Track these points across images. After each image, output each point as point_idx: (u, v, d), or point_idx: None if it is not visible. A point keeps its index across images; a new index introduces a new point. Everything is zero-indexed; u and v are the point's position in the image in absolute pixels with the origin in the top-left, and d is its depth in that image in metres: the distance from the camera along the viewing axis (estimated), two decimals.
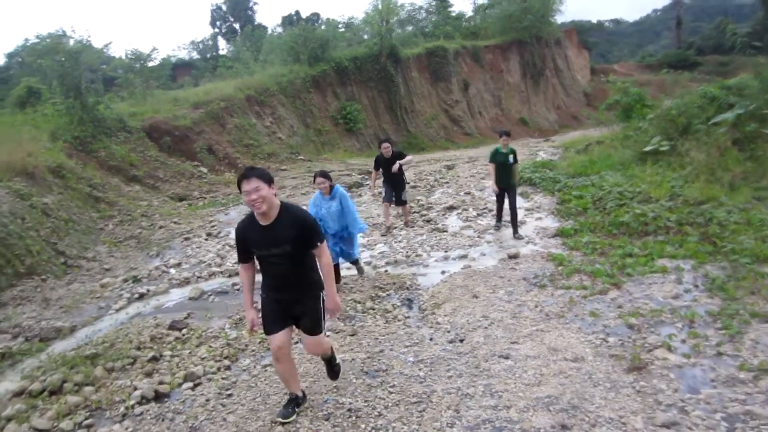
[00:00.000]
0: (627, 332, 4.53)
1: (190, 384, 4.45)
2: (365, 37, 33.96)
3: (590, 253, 6.77)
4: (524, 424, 3.34)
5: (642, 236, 7.11)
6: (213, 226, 11.16)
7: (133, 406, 4.13)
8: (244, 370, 4.61)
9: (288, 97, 24.09)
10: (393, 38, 30.19)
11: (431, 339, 4.84)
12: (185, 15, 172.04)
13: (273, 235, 3.35)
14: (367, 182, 9.48)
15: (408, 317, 5.52)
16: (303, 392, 3.84)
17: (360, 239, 8.94)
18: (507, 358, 4.25)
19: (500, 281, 6.22)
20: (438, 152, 25.97)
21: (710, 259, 5.91)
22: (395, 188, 9.21)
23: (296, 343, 4.64)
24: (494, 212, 9.85)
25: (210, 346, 5.17)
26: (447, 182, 14.73)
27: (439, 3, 41.05)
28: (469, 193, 12.37)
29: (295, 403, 3.73)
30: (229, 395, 4.17)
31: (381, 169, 9.19)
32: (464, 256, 7.53)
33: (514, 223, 8.21)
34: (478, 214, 10.10)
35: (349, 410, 3.71)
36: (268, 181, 3.32)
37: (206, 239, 10.14)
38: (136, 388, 4.38)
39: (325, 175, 6.19)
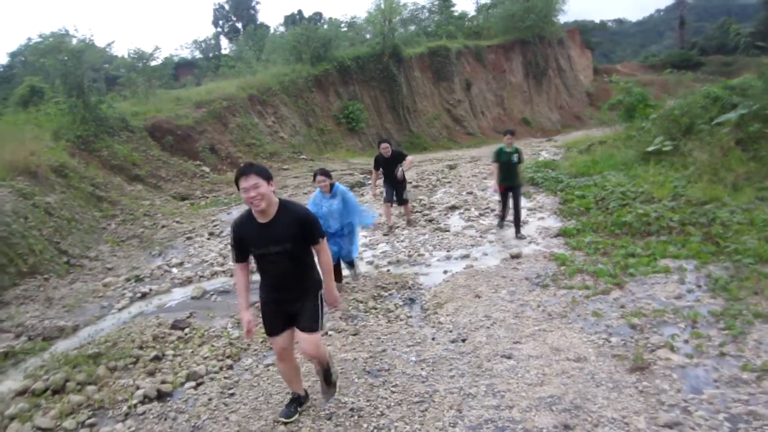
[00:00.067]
0: (630, 332, 4.52)
1: (193, 383, 4.45)
2: (368, 36, 33.97)
3: (593, 253, 6.77)
4: (527, 424, 3.33)
5: (645, 236, 7.10)
6: (215, 226, 11.17)
7: (135, 406, 4.14)
8: (247, 370, 4.61)
9: (290, 96, 24.10)
10: (395, 38, 30.16)
11: (433, 339, 4.84)
12: (188, 14, 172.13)
13: (272, 233, 3.29)
14: (369, 182, 9.44)
15: (410, 317, 5.52)
16: (305, 392, 3.84)
17: (362, 239, 8.96)
18: (509, 357, 4.25)
19: (502, 281, 6.21)
20: (440, 152, 25.95)
21: (713, 259, 5.90)
22: (396, 187, 9.18)
23: (298, 342, 4.64)
24: (496, 212, 9.85)
25: (212, 346, 5.18)
26: (449, 182, 14.72)
27: (442, 2, 40.99)
28: (471, 193, 12.36)
29: (297, 402, 3.73)
30: (232, 394, 4.17)
31: (381, 169, 9.16)
32: (466, 256, 7.53)
33: (517, 222, 8.20)
34: (481, 214, 10.09)
35: (352, 410, 3.71)
36: (267, 177, 3.25)
37: (208, 238, 10.15)
38: (138, 388, 4.39)
39: (325, 173, 6.14)
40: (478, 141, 30.54)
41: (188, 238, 10.30)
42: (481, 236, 8.49)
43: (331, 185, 6.16)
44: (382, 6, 29.53)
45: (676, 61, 45.39)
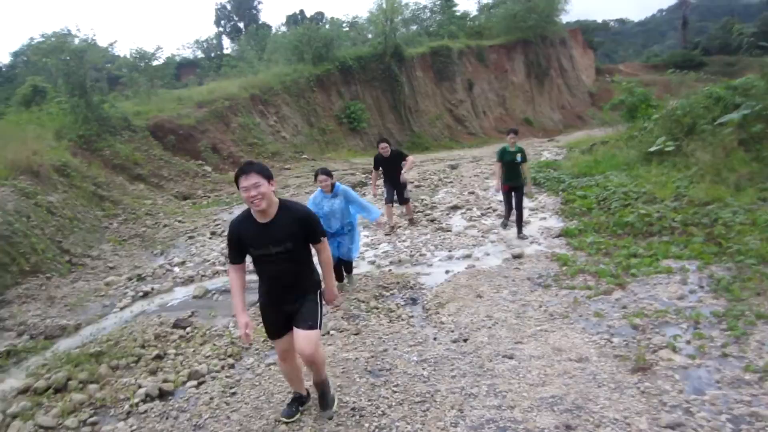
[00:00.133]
0: (631, 333, 4.51)
1: (194, 382, 4.45)
2: (369, 36, 34.01)
3: (595, 254, 6.76)
4: (528, 424, 3.33)
5: (647, 237, 7.08)
6: (217, 225, 11.18)
7: (137, 404, 4.14)
8: (248, 369, 4.61)
9: (292, 96, 24.13)
10: (397, 38, 30.18)
11: (435, 338, 4.84)
12: (189, 14, 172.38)
13: (273, 233, 3.23)
14: (371, 182, 9.42)
15: (412, 316, 5.52)
16: (307, 391, 3.83)
17: (364, 238, 8.96)
18: (511, 358, 4.25)
19: (504, 281, 6.20)
20: (442, 152, 25.95)
21: (715, 259, 5.88)
22: (396, 187, 9.14)
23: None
24: (498, 212, 9.85)
25: (214, 345, 5.18)
26: (451, 182, 14.71)
27: (444, 2, 41.00)
28: (473, 193, 12.35)
29: (299, 402, 3.73)
30: (233, 394, 4.17)
31: (381, 169, 9.14)
32: (468, 256, 7.52)
33: (519, 223, 8.18)
34: (482, 214, 10.08)
35: (353, 409, 3.71)
36: (268, 176, 3.19)
37: (210, 238, 10.16)
38: (140, 386, 4.39)
39: (327, 172, 6.07)
40: (479, 141, 30.54)
41: (190, 238, 10.31)
42: (482, 236, 8.48)
43: (332, 185, 6.10)
44: (384, 6, 29.54)
45: (679, 61, 45.33)
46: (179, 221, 11.76)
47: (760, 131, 8.63)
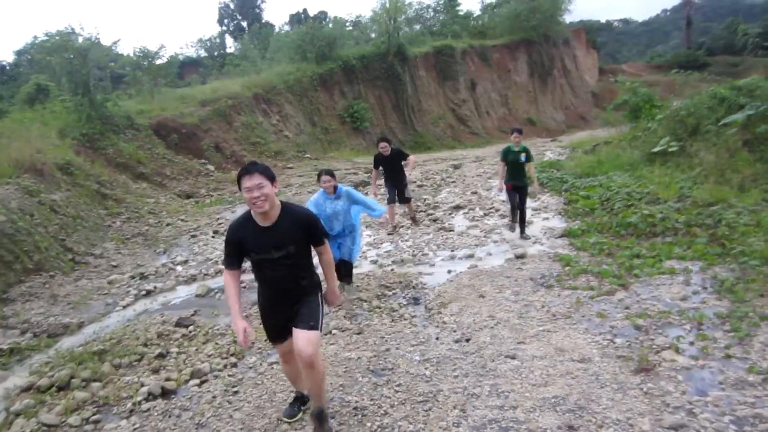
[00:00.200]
0: (634, 333, 4.50)
1: (197, 381, 4.46)
2: (372, 35, 33.95)
3: (597, 254, 6.74)
4: (531, 424, 3.33)
5: (650, 237, 7.07)
6: (220, 224, 11.19)
7: (140, 402, 4.15)
8: (251, 368, 4.62)
9: (295, 95, 24.15)
10: (400, 37, 30.19)
11: (437, 338, 4.84)
12: (193, 13, 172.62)
13: (275, 237, 3.15)
14: (378, 182, 9.38)
15: (414, 316, 5.52)
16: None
17: (366, 238, 8.96)
18: (513, 358, 4.24)
19: (507, 281, 6.20)
20: (444, 151, 25.93)
21: (719, 260, 5.86)
22: (397, 186, 9.09)
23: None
24: (501, 212, 9.83)
25: (216, 344, 5.19)
26: (453, 181, 14.70)
27: (447, 2, 40.94)
28: (475, 193, 12.34)
29: (301, 401, 3.72)
30: (236, 392, 4.18)
31: (381, 168, 9.10)
32: (471, 256, 7.51)
33: (522, 223, 8.16)
34: (485, 214, 10.07)
35: (355, 408, 3.71)
36: (271, 178, 3.11)
37: (213, 237, 10.17)
38: (143, 385, 4.40)
39: (330, 173, 5.94)
40: (482, 141, 30.51)
41: (193, 236, 10.33)
42: (485, 236, 8.47)
43: (335, 187, 5.95)
44: (387, 5, 29.55)
45: (683, 61, 45.23)
46: (182, 220, 11.78)
47: (765, 132, 8.59)
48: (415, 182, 13.56)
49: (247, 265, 3.46)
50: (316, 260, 3.55)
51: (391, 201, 9.17)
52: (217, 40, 54.87)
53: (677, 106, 11.75)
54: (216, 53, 50.21)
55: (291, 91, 23.98)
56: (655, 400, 3.48)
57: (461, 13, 42.08)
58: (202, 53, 51.54)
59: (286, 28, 47.18)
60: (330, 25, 34.00)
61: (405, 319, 5.42)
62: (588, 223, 8.17)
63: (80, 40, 17.33)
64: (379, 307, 5.79)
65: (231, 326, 5.56)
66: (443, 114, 31.19)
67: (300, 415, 3.65)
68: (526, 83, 38.26)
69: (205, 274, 7.82)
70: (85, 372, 4.67)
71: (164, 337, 5.51)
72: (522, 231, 8.12)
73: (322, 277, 3.59)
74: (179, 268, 8.38)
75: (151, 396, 4.25)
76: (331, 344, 4.88)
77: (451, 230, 9.05)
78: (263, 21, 53.72)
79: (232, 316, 3.26)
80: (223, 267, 3.37)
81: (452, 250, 7.87)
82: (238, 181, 3.11)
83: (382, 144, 8.92)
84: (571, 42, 43.43)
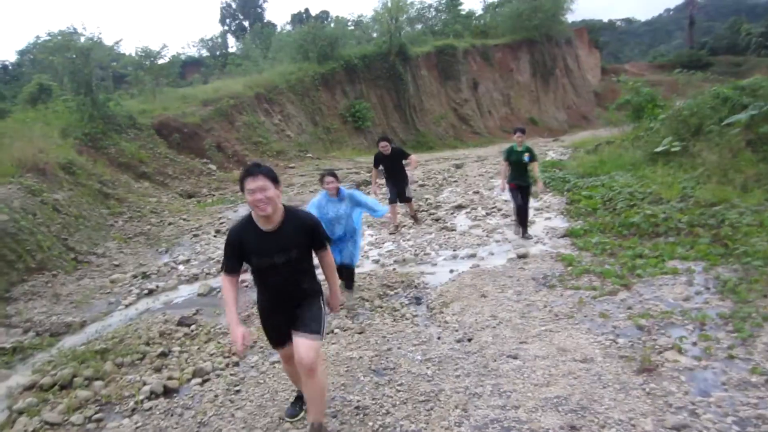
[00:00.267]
0: (637, 334, 4.49)
1: (199, 380, 4.46)
2: (374, 35, 33.98)
3: (600, 254, 6.73)
4: (533, 424, 3.32)
5: (652, 237, 7.05)
6: (221, 223, 11.21)
7: (142, 401, 4.16)
8: (253, 367, 4.62)
9: (297, 94, 24.16)
10: (402, 36, 30.21)
11: (439, 338, 4.83)
12: (195, 13, 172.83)
13: (277, 242, 3.05)
14: (378, 181, 9.36)
15: (416, 316, 5.51)
16: None
17: (368, 237, 8.96)
18: (515, 358, 4.24)
19: (509, 281, 6.19)
20: (446, 151, 25.92)
21: (722, 261, 5.84)
22: (398, 185, 9.05)
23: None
24: (503, 211, 9.81)
25: (218, 343, 5.19)
26: (456, 181, 14.69)
27: (449, 1, 40.93)
28: (477, 192, 12.33)
29: (302, 401, 3.70)
30: (238, 391, 4.18)
31: (382, 167, 9.07)
32: (473, 255, 7.51)
33: (524, 222, 8.14)
34: (487, 213, 10.06)
35: (357, 408, 3.71)
36: (275, 180, 3.01)
37: (215, 236, 10.18)
38: (145, 383, 4.40)
39: (334, 175, 5.82)
40: (484, 140, 30.50)
41: (195, 236, 10.34)
42: (487, 236, 8.47)
43: (338, 189, 5.81)
44: (389, 4, 29.56)
45: (686, 61, 45.10)
46: (184, 219, 11.80)
47: None
48: (417, 182, 13.56)
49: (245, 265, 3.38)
50: (315, 261, 3.47)
51: (392, 201, 9.16)
52: (219, 40, 54.92)
53: (680, 105, 11.73)
54: (218, 53, 50.25)
55: (293, 90, 24.00)
56: (658, 401, 3.47)
57: (463, 13, 42.08)
58: (204, 53, 51.58)
59: (288, 27, 47.24)
60: (332, 25, 34.04)
61: (407, 319, 5.42)
62: (590, 223, 8.16)
63: (82, 39, 17.34)
64: (381, 307, 5.79)
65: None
66: (445, 113, 31.18)
67: (302, 414, 3.65)
68: (528, 83, 38.23)
69: (207, 274, 7.83)
70: (88, 371, 4.67)
71: (166, 336, 5.51)
72: (524, 231, 8.11)
73: (322, 280, 3.52)
74: (181, 267, 8.39)
75: (153, 395, 4.25)
76: (333, 343, 4.88)
77: (453, 230, 9.04)
78: (265, 21, 53.76)
79: (229, 324, 3.13)
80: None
81: (454, 250, 7.87)
82: (241, 182, 3.00)
83: (383, 143, 8.89)
84: (573, 41, 43.37)
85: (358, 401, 3.79)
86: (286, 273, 3.12)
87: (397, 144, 9.29)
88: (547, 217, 9.36)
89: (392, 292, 6.27)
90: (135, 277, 7.96)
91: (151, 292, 7.27)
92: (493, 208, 10.42)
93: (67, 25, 30.83)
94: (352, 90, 27.14)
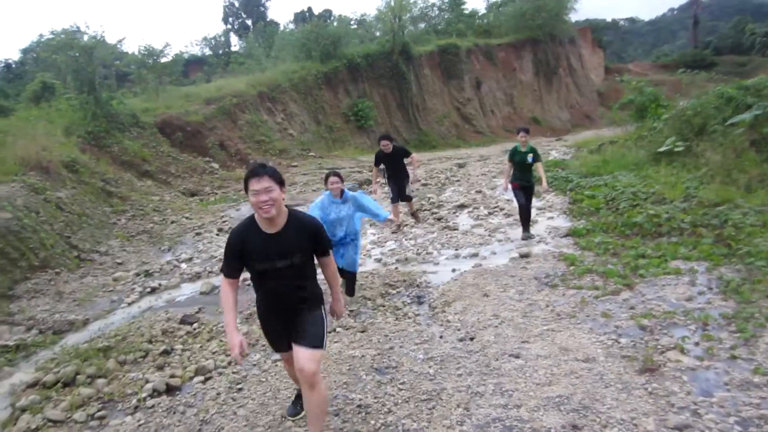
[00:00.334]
0: (639, 333, 4.48)
1: (201, 378, 4.48)
2: (377, 34, 33.93)
3: (602, 254, 6.72)
4: (534, 423, 3.32)
5: (655, 237, 7.04)
6: (224, 222, 11.23)
7: (144, 399, 4.17)
8: (255, 365, 4.63)
9: (299, 93, 24.16)
10: (405, 35, 30.15)
11: (441, 337, 4.83)
12: (198, 11, 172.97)
13: (280, 245, 2.96)
14: (379, 180, 9.31)
15: (418, 315, 5.52)
16: None
17: (371, 236, 8.96)
18: (517, 357, 4.23)
19: (511, 280, 6.18)
20: (449, 150, 25.92)
21: (725, 261, 5.83)
22: (398, 184, 8.93)
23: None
24: (506, 211, 9.79)
25: (221, 341, 5.20)
26: (458, 180, 14.68)
27: (452, 0, 40.89)
28: (480, 192, 12.32)
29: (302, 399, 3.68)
30: (240, 389, 4.19)
31: (383, 166, 9.02)
32: (475, 255, 7.50)
33: (527, 222, 8.11)
34: (490, 213, 10.05)
35: (359, 406, 3.71)
36: (280, 182, 2.94)
37: (217, 234, 10.20)
38: (147, 381, 4.42)
39: (339, 175, 5.67)
40: (487, 140, 30.47)
41: (197, 234, 10.36)
42: (489, 235, 8.46)
43: (342, 190, 5.65)
44: (392, 3, 29.51)
45: (689, 60, 44.93)
46: (186, 218, 11.81)
47: None
48: (419, 181, 13.53)
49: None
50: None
51: (394, 200, 9.13)
52: (222, 39, 54.95)
53: (683, 105, 11.69)
54: (221, 51, 50.28)
55: (296, 89, 24.01)
56: (660, 401, 3.46)
57: (466, 12, 42.02)
58: (207, 51, 51.60)
59: (291, 26, 47.24)
60: (335, 24, 34.01)
61: (409, 318, 5.42)
62: (593, 223, 8.15)
63: (85, 38, 17.39)
64: (383, 306, 5.80)
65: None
66: (448, 113, 31.15)
67: (303, 413, 3.64)
68: (531, 82, 38.16)
69: (209, 272, 7.84)
70: (91, 368, 4.69)
71: (169, 334, 5.53)
72: (526, 229, 8.07)
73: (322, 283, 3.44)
74: (184, 265, 8.41)
75: (155, 392, 4.27)
76: (335, 342, 4.89)
77: (455, 229, 9.04)
78: (268, 19, 53.76)
79: (227, 330, 3.04)
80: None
81: (456, 249, 7.87)
82: (246, 182, 2.91)
83: (384, 141, 8.77)
84: (576, 41, 43.26)
85: (360, 400, 3.80)
86: (288, 278, 3.04)
87: (399, 142, 9.25)
88: (550, 216, 9.35)
89: (394, 291, 6.27)
90: (138, 275, 7.98)
91: (153, 291, 7.28)
92: (495, 207, 10.41)
93: (70, 24, 30.85)
94: (355, 89, 27.14)
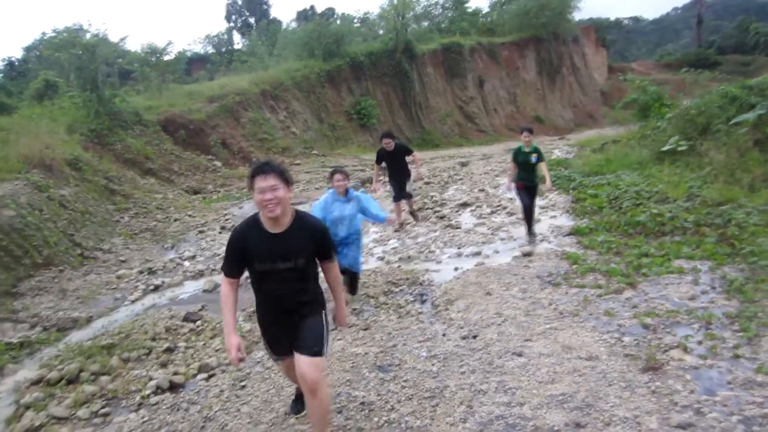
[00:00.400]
0: (642, 332, 4.48)
1: (205, 375, 4.50)
2: (380, 32, 33.90)
3: (605, 252, 6.71)
4: (537, 421, 3.33)
5: (658, 236, 7.03)
6: (227, 220, 11.25)
7: (148, 396, 4.19)
8: (258, 362, 4.64)
9: (302, 91, 24.16)
10: (408, 34, 30.10)
11: (444, 335, 4.84)
12: (200, 9, 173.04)
13: (284, 246, 2.87)
14: (380, 178, 9.27)
15: (421, 313, 5.52)
16: None
17: (373, 234, 8.97)
18: (520, 355, 4.24)
19: (514, 279, 6.18)
20: (452, 149, 25.89)
21: (728, 260, 5.82)
22: (399, 182, 8.94)
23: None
24: (508, 209, 9.78)
25: (224, 339, 5.20)
26: (461, 179, 14.67)
27: None
28: (483, 190, 12.32)
29: (301, 400, 3.56)
30: (243, 387, 4.20)
31: (384, 164, 9.01)
32: (477, 253, 7.50)
33: (530, 222, 8.07)
34: (492, 211, 10.04)
35: (362, 404, 3.72)
36: (287, 181, 2.84)
37: (220, 232, 10.22)
38: (151, 378, 4.44)
39: (344, 173, 5.60)
40: (490, 138, 30.42)
41: (200, 232, 10.38)
42: (492, 233, 8.46)
43: (346, 189, 5.58)
44: (395, 2, 29.45)
45: (693, 60, 44.79)
46: (189, 215, 11.84)
47: None
48: (422, 179, 13.54)
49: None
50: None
51: (397, 199, 9.14)
52: (225, 37, 55.03)
53: (687, 104, 11.67)
54: (223, 49, 50.33)
55: (298, 87, 24.00)
56: (663, 399, 3.46)
57: (470, 10, 41.95)
58: (210, 49, 51.67)
59: (294, 24, 47.20)
60: (338, 22, 34.01)
61: (412, 316, 5.43)
62: (596, 222, 8.14)
63: (88, 36, 17.44)
64: (386, 304, 5.80)
65: (239, 322, 5.60)
66: (451, 111, 31.11)
67: (305, 411, 3.61)
68: (534, 81, 38.08)
69: (212, 270, 7.85)
70: (94, 365, 4.71)
71: (172, 331, 5.54)
72: (530, 230, 8.03)
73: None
74: (187, 263, 8.43)
75: (159, 390, 4.29)
76: (339, 340, 4.90)
77: (458, 227, 9.03)
78: (271, 17, 53.80)
79: (225, 331, 2.98)
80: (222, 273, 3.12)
81: (459, 248, 7.86)
82: (251, 179, 2.82)
83: (386, 139, 8.73)
84: (580, 40, 43.13)
85: (364, 397, 3.81)
86: (289, 281, 2.94)
87: (401, 141, 9.22)
88: (553, 215, 9.34)
89: (397, 289, 6.27)
90: (141, 272, 8.00)
91: (156, 288, 7.31)
92: (498, 206, 10.40)
93: (73, 22, 31.00)
94: (358, 87, 27.12)
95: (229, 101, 20.13)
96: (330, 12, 49.29)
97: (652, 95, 15.60)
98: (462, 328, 4.94)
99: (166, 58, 23.04)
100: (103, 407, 4.10)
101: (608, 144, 15.70)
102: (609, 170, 11.52)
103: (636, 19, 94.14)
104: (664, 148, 10.78)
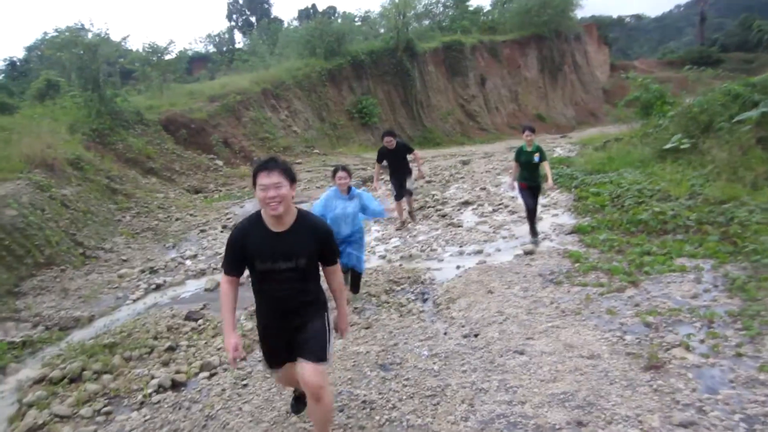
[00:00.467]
0: (644, 330, 4.47)
1: (207, 374, 4.50)
2: (381, 31, 33.84)
3: (607, 251, 6.70)
4: (539, 419, 3.32)
5: (661, 235, 7.01)
6: (228, 219, 11.25)
7: (150, 395, 4.19)
8: (260, 361, 4.63)
9: (303, 90, 24.15)
10: (409, 32, 30.04)
11: (446, 333, 4.84)
12: (202, 8, 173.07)
13: (286, 245, 2.80)
14: (382, 177, 9.25)
15: (422, 311, 5.52)
16: None
17: (375, 233, 8.97)
18: (522, 353, 4.23)
19: (515, 277, 6.18)
20: (453, 147, 25.86)
21: (730, 259, 5.81)
22: (399, 180, 8.92)
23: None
24: (510, 208, 9.76)
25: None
26: (462, 177, 14.65)
27: None
28: (484, 189, 12.30)
29: (302, 402, 3.45)
30: (245, 385, 4.21)
31: (385, 162, 9.00)
32: (479, 252, 7.49)
33: (533, 222, 8.03)
34: (494, 210, 10.03)
35: (364, 402, 3.72)
36: (291, 179, 2.78)
37: (221, 231, 10.23)
38: (153, 377, 4.44)
39: (347, 170, 5.57)
40: (491, 137, 30.37)
41: (202, 231, 10.39)
42: (494, 232, 8.45)
43: (349, 187, 5.58)
44: (397, 0, 29.41)
45: (696, 57, 44.54)
46: (191, 215, 11.84)
47: None
48: (424, 178, 13.52)
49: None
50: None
51: (399, 197, 9.13)
52: (226, 36, 54.99)
53: (689, 102, 11.63)
54: (225, 49, 50.30)
55: (299, 86, 24.00)
56: (665, 398, 3.46)
57: (471, 9, 41.84)
58: (211, 49, 51.65)
59: (295, 23, 47.14)
60: (339, 21, 33.97)
61: (413, 314, 5.43)
62: (598, 220, 8.12)
63: (90, 36, 17.42)
64: (388, 302, 5.80)
65: (239, 320, 5.61)
66: (452, 110, 31.08)
67: (306, 410, 3.56)
68: (536, 79, 38.01)
69: (214, 269, 7.86)
70: (97, 364, 4.72)
71: (174, 330, 5.55)
72: (532, 230, 7.98)
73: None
74: (188, 262, 8.44)
75: (161, 388, 4.29)
76: (340, 339, 4.89)
77: (459, 226, 9.03)
78: (272, 16, 53.79)
79: (224, 330, 2.93)
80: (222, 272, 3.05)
81: (461, 246, 7.86)
82: (254, 176, 2.76)
83: (387, 138, 8.68)
84: (582, 37, 43.03)
85: (365, 395, 3.81)
86: (290, 283, 2.86)
87: (402, 139, 9.19)
88: (555, 213, 9.33)
89: (399, 288, 6.27)
90: (143, 272, 8.01)
91: (158, 287, 7.31)
92: (499, 204, 10.39)
93: (74, 21, 30.91)
94: (359, 86, 27.09)
95: (231, 100, 20.14)
96: (331, 11, 49.24)
97: (654, 93, 15.52)
98: (463, 326, 4.93)
99: (168, 57, 23.03)
100: (105, 406, 4.10)
101: (610, 142, 15.65)
102: (611, 168, 11.49)
103: (638, 17, 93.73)
104: (667, 146, 10.75)
